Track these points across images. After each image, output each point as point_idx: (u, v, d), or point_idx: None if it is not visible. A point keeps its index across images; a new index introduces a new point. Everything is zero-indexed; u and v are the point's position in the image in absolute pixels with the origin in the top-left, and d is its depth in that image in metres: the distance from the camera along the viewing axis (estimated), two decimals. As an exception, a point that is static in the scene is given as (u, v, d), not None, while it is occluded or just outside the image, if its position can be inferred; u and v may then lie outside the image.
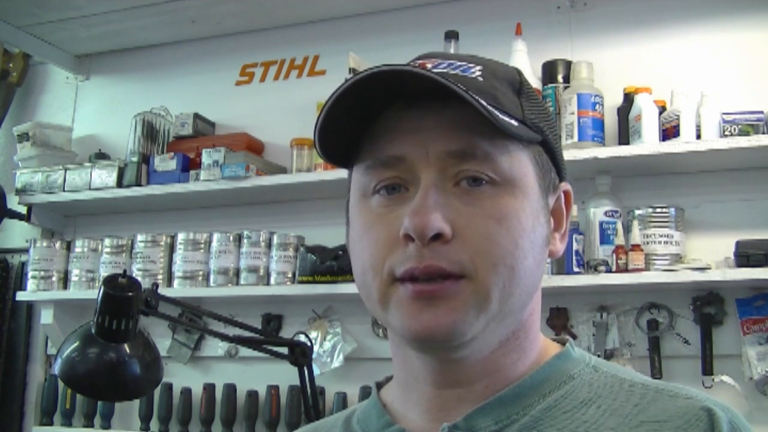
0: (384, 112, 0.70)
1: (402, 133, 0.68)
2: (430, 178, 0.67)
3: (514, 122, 0.68)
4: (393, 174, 0.69)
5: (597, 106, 2.33)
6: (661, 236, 2.24)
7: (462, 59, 0.72)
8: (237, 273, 2.63)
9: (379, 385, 0.81)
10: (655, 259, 2.22)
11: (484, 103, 0.64)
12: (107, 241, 2.79)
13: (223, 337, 1.83)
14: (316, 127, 0.69)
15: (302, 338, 1.86)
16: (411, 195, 0.67)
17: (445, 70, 0.70)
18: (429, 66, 0.70)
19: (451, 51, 2.44)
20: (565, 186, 0.77)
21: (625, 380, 0.72)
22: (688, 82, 2.35)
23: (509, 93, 0.71)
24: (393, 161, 0.68)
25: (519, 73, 0.75)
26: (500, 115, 0.66)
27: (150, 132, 2.90)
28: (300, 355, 1.77)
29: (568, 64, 2.43)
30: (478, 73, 0.71)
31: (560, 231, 0.76)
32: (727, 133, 2.18)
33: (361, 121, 0.70)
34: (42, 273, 2.83)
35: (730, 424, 0.67)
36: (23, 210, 2.97)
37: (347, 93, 0.66)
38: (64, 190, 2.87)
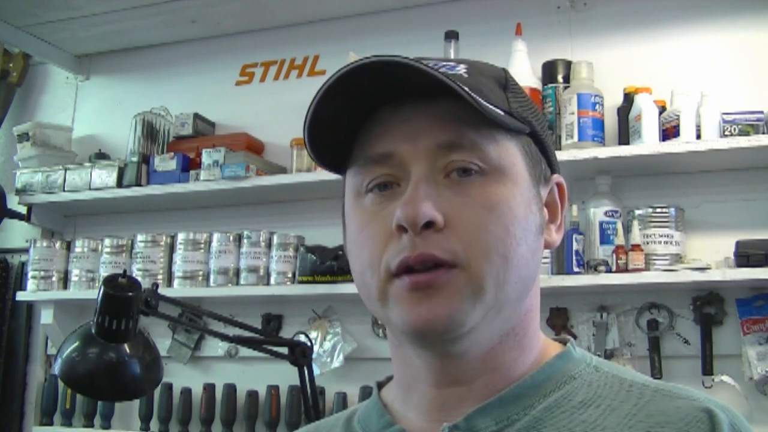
0: (372, 115, 0.70)
1: (390, 129, 0.69)
2: (420, 170, 0.68)
3: (499, 112, 0.69)
4: (384, 171, 0.69)
5: (597, 106, 2.33)
6: (661, 236, 2.24)
7: (447, 60, 0.73)
8: (237, 273, 2.63)
9: (380, 385, 0.81)
10: (655, 259, 2.22)
11: (469, 91, 0.65)
12: (107, 241, 2.79)
13: (223, 337, 1.83)
14: (305, 127, 0.69)
15: (302, 338, 1.86)
16: (403, 190, 0.68)
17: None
18: None
19: (451, 51, 2.44)
20: (558, 178, 0.78)
21: (625, 380, 0.72)
22: (688, 82, 2.35)
23: (495, 88, 0.72)
24: (383, 158, 0.69)
25: (505, 71, 0.76)
26: (485, 104, 0.67)
27: (150, 132, 2.90)
28: (300, 355, 1.77)
29: (568, 64, 2.43)
30: (463, 70, 0.71)
31: (555, 222, 0.77)
32: (727, 133, 2.18)
33: (350, 126, 0.71)
34: (42, 273, 2.83)
35: (730, 426, 0.67)
36: (23, 210, 2.97)
37: (334, 88, 0.67)
38: (64, 190, 2.87)
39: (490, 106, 0.68)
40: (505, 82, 0.74)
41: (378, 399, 0.78)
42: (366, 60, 0.65)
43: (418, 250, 0.65)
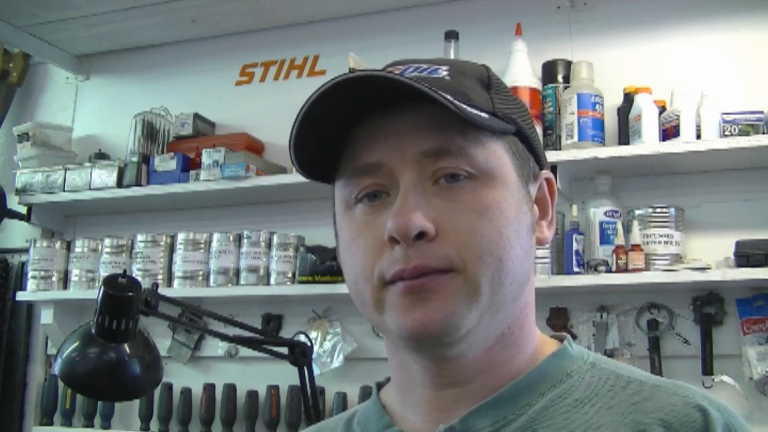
0: (357, 123, 0.70)
1: (376, 139, 0.69)
2: (409, 179, 0.67)
3: (484, 115, 0.69)
4: (372, 181, 0.69)
5: (597, 106, 2.33)
6: (661, 236, 2.24)
7: (429, 62, 0.73)
8: (237, 273, 2.63)
9: (380, 386, 0.81)
10: (655, 259, 2.22)
11: (451, 98, 0.65)
12: (107, 241, 2.79)
13: (223, 337, 1.82)
14: (290, 146, 0.70)
15: (302, 338, 1.86)
16: (392, 200, 0.68)
17: (412, 74, 0.71)
18: (396, 73, 0.71)
19: (451, 51, 2.44)
20: (547, 174, 0.78)
21: (623, 377, 0.72)
22: (688, 82, 2.35)
23: (478, 88, 0.72)
24: (371, 168, 0.69)
25: (487, 68, 0.76)
26: (469, 109, 0.67)
27: (150, 132, 2.90)
28: (300, 355, 1.77)
29: (568, 64, 2.43)
30: (445, 73, 0.71)
31: (547, 219, 0.77)
32: (727, 133, 2.18)
33: (336, 135, 0.71)
34: (42, 273, 2.83)
35: (725, 426, 0.66)
36: (23, 210, 2.97)
37: (316, 105, 0.67)
38: (64, 190, 2.87)
39: (474, 111, 0.67)
40: (487, 80, 0.74)
41: (377, 400, 0.78)
42: (344, 77, 0.65)
43: (413, 262, 0.65)
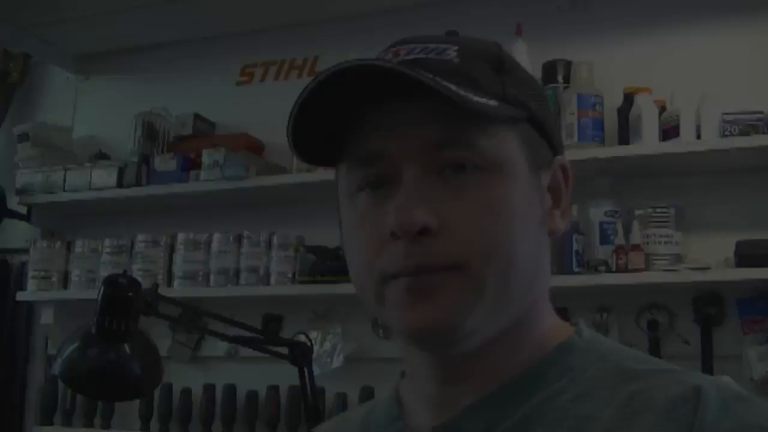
0: (363, 107, 0.67)
1: (380, 127, 0.66)
2: (413, 171, 0.65)
3: (493, 103, 0.65)
4: (375, 171, 0.66)
5: (597, 106, 2.33)
6: (661, 236, 2.24)
7: (438, 40, 0.69)
8: (237, 273, 2.63)
9: (403, 375, 0.78)
10: (655, 259, 2.22)
11: (455, 89, 0.62)
12: (107, 242, 2.79)
13: (223, 337, 1.82)
14: (288, 131, 0.67)
15: (302, 338, 1.85)
16: (396, 189, 0.65)
17: (418, 56, 0.67)
18: (402, 53, 0.68)
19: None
20: (561, 160, 0.73)
21: (628, 369, 0.68)
22: (688, 82, 2.35)
23: (488, 71, 0.68)
24: (374, 158, 0.66)
25: (499, 47, 0.72)
26: (476, 98, 0.64)
27: (150, 132, 2.90)
28: (300, 355, 1.77)
29: (568, 64, 2.43)
30: (454, 54, 0.67)
31: (560, 208, 0.72)
32: (727, 133, 2.18)
33: (341, 117, 0.68)
34: (42, 273, 2.83)
35: (720, 401, 0.62)
36: (23, 210, 2.97)
37: (315, 94, 0.65)
38: (64, 190, 2.87)
39: (482, 101, 0.64)
40: (498, 62, 0.70)
41: (394, 392, 0.76)
42: (346, 64, 0.63)
43: (416, 260, 0.63)
